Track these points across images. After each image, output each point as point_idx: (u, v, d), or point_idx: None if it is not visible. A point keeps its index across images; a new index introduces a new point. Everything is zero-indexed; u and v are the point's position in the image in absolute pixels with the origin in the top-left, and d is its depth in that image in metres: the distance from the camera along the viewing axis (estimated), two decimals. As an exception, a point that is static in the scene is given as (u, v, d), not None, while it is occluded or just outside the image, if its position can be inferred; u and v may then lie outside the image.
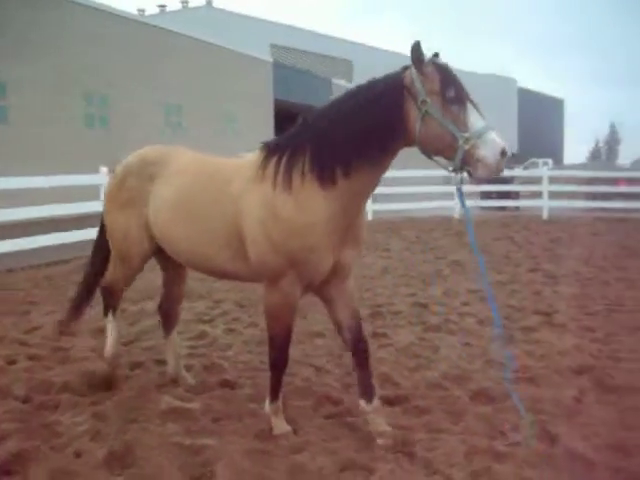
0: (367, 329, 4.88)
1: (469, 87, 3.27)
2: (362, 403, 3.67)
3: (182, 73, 23.56)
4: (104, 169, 10.68)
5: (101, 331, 5.44)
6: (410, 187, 17.79)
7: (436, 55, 3.30)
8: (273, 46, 42.03)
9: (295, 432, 3.68)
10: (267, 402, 3.76)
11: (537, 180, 19.46)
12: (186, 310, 6.30)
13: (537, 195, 18.65)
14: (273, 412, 3.70)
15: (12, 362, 4.99)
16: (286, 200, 3.36)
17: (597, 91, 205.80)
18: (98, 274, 4.59)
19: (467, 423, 3.82)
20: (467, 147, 3.07)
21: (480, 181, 3.41)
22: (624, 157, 79.15)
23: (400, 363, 4.98)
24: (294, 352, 5.27)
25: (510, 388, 4.10)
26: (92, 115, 19.94)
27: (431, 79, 3.17)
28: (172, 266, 4.47)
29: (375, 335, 5.74)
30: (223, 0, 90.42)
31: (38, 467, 3.25)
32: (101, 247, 4.56)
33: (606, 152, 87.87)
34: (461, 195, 3.50)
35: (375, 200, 16.08)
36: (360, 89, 3.37)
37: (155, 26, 23.44)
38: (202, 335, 5.81)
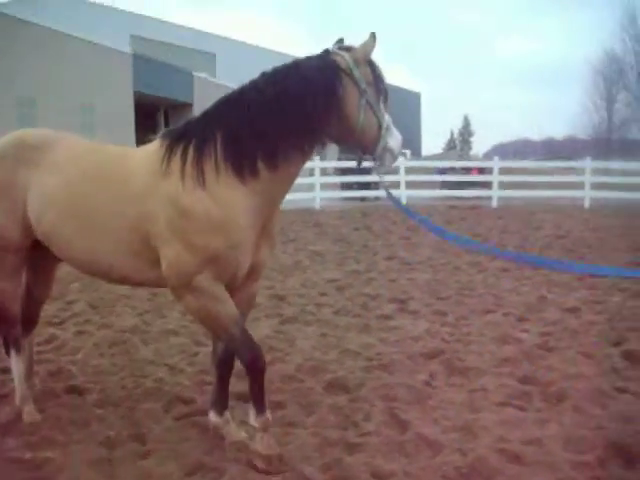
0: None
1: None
2: (212, 415, 3.51)
3: (35, 65, 22.32)
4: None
5: None
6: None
7: (340, 41, 3.23)
8: (134, 37, 40.34)
9: (144, 436, 3.58)
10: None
11: (395, 170, 20.10)
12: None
13: (395, 185, 19.23)
14: (262, 427, 3.25)
15: None
16: (200, 196, 3.02)
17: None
18: None
19: (320, 415, 3.82)
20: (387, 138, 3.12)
21: (388, 171, 3.46)
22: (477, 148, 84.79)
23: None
24: (147, 352, 5.00)
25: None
26: None
27: (364, 69, 3.10)
28: (42, 265, 3.87)
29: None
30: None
31: None
32: None
33: (460, 143, 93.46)
34: (387, 189, 3.71)
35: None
36: (283, 70, 3.09)
37: (5, 14, 21.91)
38: (50, 339, 5.42)
